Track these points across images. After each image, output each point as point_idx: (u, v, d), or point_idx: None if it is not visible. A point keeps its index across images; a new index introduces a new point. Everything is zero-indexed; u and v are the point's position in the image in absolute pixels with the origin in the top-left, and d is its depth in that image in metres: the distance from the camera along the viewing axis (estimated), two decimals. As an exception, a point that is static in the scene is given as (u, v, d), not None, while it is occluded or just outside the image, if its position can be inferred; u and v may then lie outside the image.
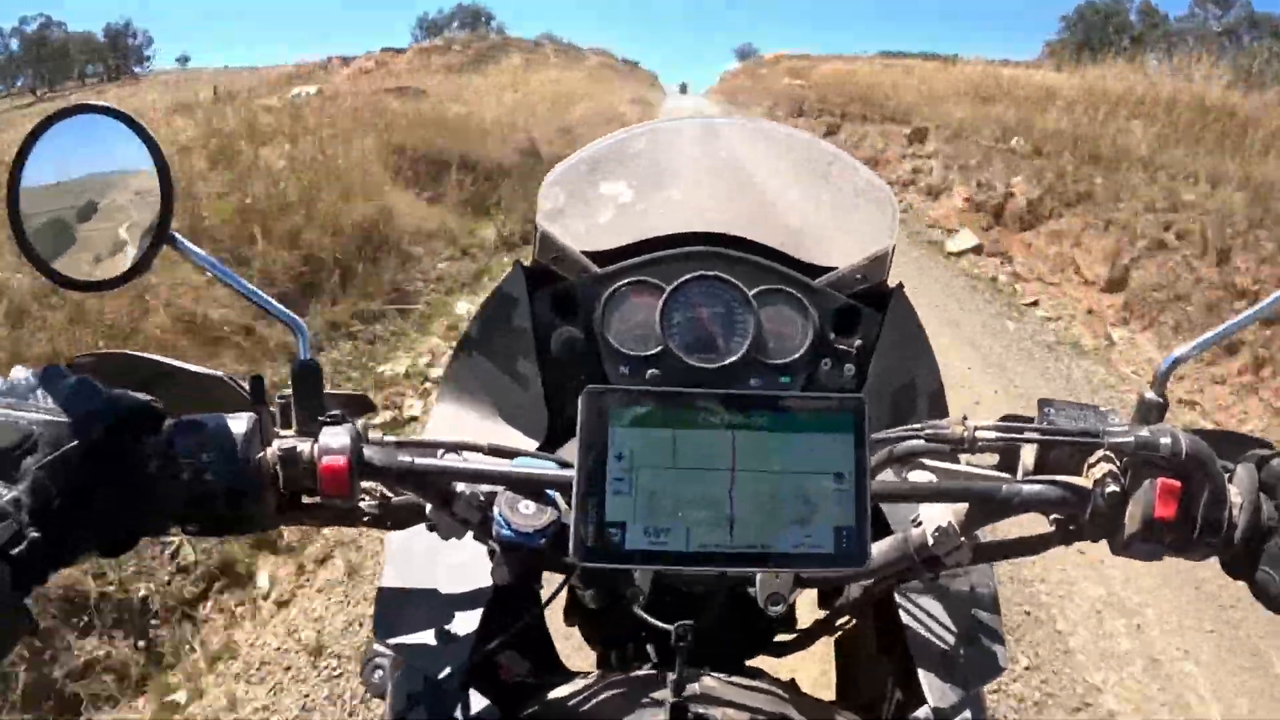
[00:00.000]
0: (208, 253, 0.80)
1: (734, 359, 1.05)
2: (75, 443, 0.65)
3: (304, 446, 0.72)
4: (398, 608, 0.91)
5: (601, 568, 0.71)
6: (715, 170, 1.21)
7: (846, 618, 1.01)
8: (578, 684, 0.87)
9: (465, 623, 0.88)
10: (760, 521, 0.67)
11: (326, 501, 0.73)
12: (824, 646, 1.14)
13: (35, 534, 0.61)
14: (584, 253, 1.11)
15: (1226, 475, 0.72)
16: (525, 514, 0.73)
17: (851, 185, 1.20)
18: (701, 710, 0.74)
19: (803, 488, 0.67)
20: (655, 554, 0.66)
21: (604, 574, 0.79)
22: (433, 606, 0.90)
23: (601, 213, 1.15)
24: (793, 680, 1.01)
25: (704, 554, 0.66)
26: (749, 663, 1.02)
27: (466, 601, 0.90)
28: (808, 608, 1.06)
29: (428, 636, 0.88)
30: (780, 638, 1.06)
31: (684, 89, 61.47)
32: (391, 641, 0.88)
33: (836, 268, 1.12)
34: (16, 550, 0.60)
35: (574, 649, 1.20)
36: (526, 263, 1.13)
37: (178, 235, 0.77)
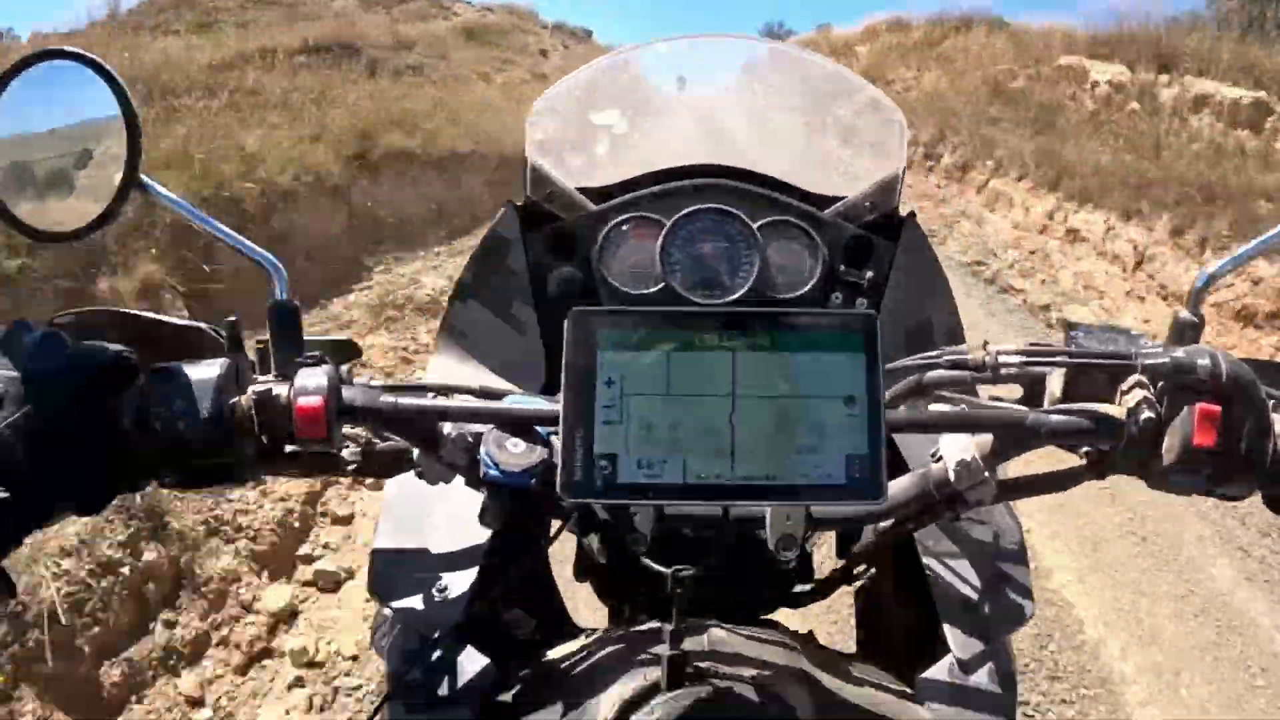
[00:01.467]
0: (179, 195, 0.77)
1: (739, 295, 1.02)
2: (45, 399, 0.63)
3: (280, 389, 0.68)
4: (393, 565, 0.87)
5: (593, 503, 0.67)
6: (713, 96, 1.17)
7: (865, 566, 0.97)
8: (579, 641, 0.83)
9: (461, 578, 0.85)
10: (764, 450, 0.62)
11: (306, 448, 0.70)
12: (845, 599, 1.10)
13: (4, 495, 0.59)
14: (578, 189, 1.07)
15: (1270, 403, 0.67)
16: (513, 452, 0.69)
17: (856, 105, 1.15)
18: (705, 665, 0.70)
19: (810, 412, 0.62)
20: (650, 488, 0.62)
21: (600, 517, 0.75)
22: (428, 562, 0.86)
23: (595, 144, 1.11)
24: (810, 633, 0.97)
25: (703, 486, 0.62)
26: (766, 616, 0.99)
27: (463, 556, 0.86)
28: (825, 558, 1.03)
29: (423, 593, 0.84)
30: (798, 588, 1.02)
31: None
32: (387, 600, 0.85)
33: (844, 196, 1.08)
34: None
35: (591, 608, 1.17)
36: (518, 202, 1.09)
37: (146, 179, 0.75)
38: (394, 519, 0.90)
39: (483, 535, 0.84)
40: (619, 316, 0.65)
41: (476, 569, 0.85)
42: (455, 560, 0.86)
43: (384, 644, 0.88)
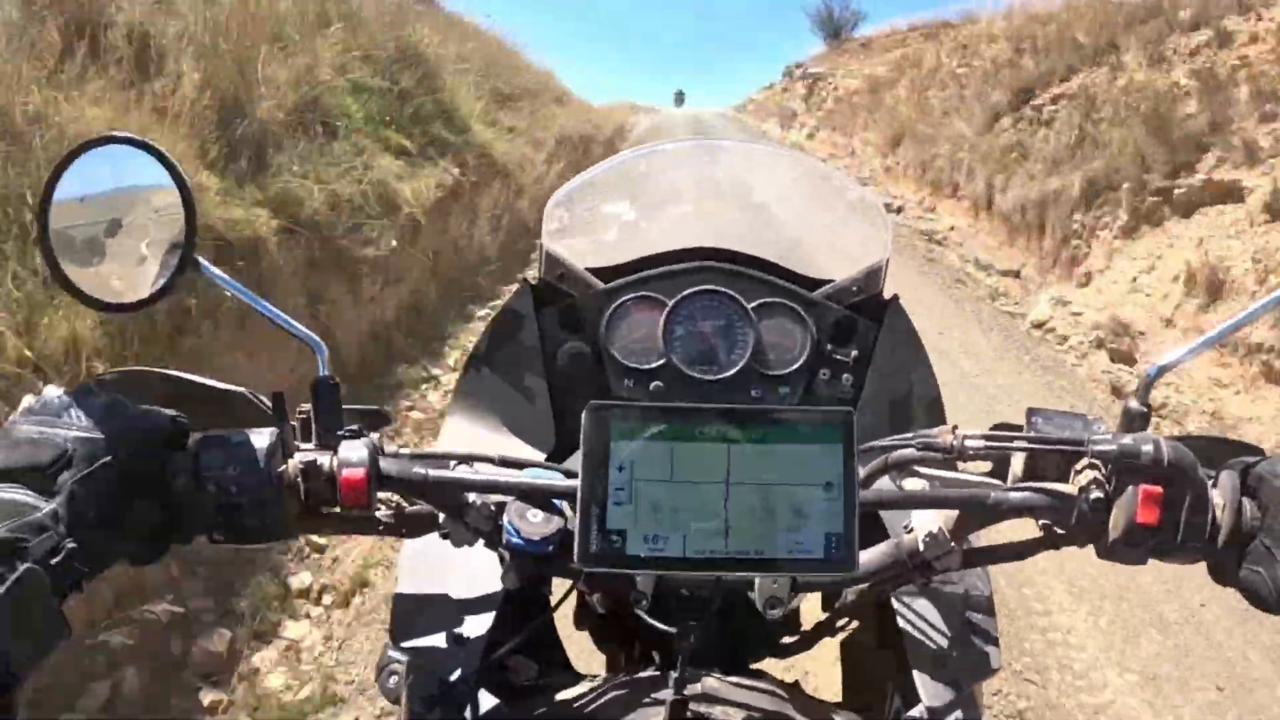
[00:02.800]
0: (231, 277, 0.84)
1: (734, 371, 1.09)
2: (108, 458, 0.69)
3: (324, 459, 0.76)
4: (412, 613, 0.94)
5: (604, 572, 0.74)
6: (713, 188, 1.25)
7: (846, 620, 1.04)
8: (584, 686, 0.90)
9: (477, 627, 0.92)
10: (754, 529, 0.70)
11: (345, 512, 0.77)
12: (832, 652, 1.17)
13: (72, 544, 0.64)
14: (588, 269, 1.15)
15: (1210, 480, 0.75)
16: (533, 522, 0.76)
17: (844, 201, 1.24)
18: (702, 709, 0.77)
19: (794, 497, 0.71)
20: (654, 559, 0.70)
21: (608, 579, 0.82)
22: (446, 612, 0.93)
23: (605, 231, 1.19)
24: (796, 683, 1.04)
25: (701, 559, 0.70)
26: (756, 665, 1.05)
27: (478, 606, 0.93)
28: (812, 611, 1.09)
29: (441, 640, 0.91)
30: (785, 640, 1.09)
31: (680, 99, 48.62)
32: (406, 645, 0.91)
33: (833, 279, 1.16)
34: (55, 560, 0.63)
35: (587, 654, 1.23)
36: (533, 280, 1.16)
37: (202, 260, 0.81)
38: (414, 570, 0.97)
39: (497, 587, 0.91)
40: (629, 410, 0.73)
41: (491, 619, 0.92)
42: (472, 611, 0.93)
43: (393, 685, 0.94)
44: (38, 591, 0.61)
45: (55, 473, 0.67)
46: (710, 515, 0.70)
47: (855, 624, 1.11)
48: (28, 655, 0.61)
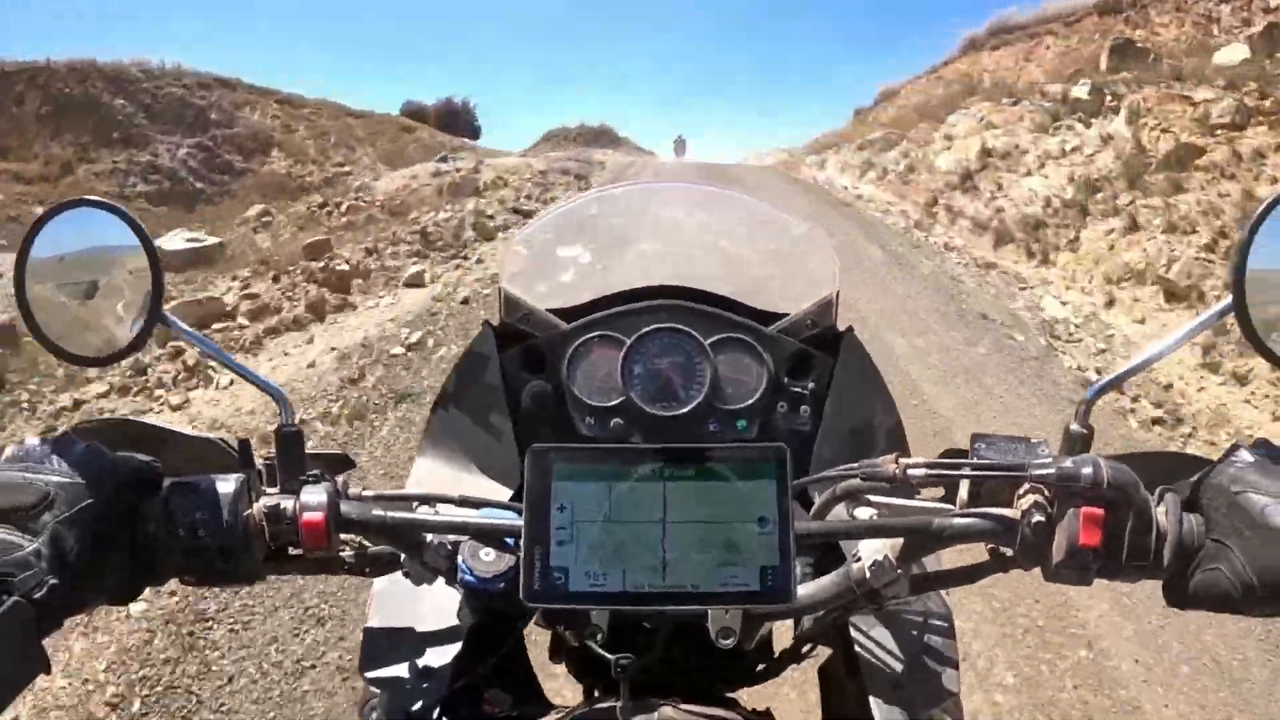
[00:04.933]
0: (194, 332, 0.89)
1: (693, 406, 1.12)
2: (88, 501, 0.72)
3: (287, 504, 0.79)
4: (381, 647, 0.97)
5: (547, 608, 0.76)
6: (665, 229, 1.28)
7: (812, 646, 1.06)
8: (551, 717, 0.92)
9: (443, 659, 0.94)
10: (691, 564, 0.73)
11: (309, 553, 0.80)
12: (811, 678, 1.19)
13: (54, 581, 0.67)
14: (549, 310, 1.18)
15: (1155, 497, 0.75)
16: (486, 561, 0.79)
17: (794, 238, 1.26)
18: None
19: (730, 533, 0.73)
20: (596, 595, 0.73)
21: (560, 613, 0.84)
22: (412, 645, 0.96)
23: (562, 273, 1.22)
24: (768, 710, 1.05)
25: (640, 594, 0.73)
26: (732, 694, 1.07)
27: (444, 639, 0.96)
28: (783, 638, 1.11)
29: (407, 673, 0.94)
30: (758, 667, 1.10)
31: (680, 147, 39.39)
32: (373, 678, 0.94)
33: (787, 314, 1.18)
34: (38, 595, 0.66)
35: (568, 686, 1.25)
36: (495, 323, 1.19)
37: (170, 315, 0.85)
38: (383, 605, 1.00)
39: (463, 622, 0.94)
40: (570, 453, 0.76)
41: (457, 652, 0.94)
42: (438, 644, 0.96)
43: (374, 717, 0.96)
44: (22, 624, 0.64)
45: (38, 514, 0.70)
46: (648, 552, 0.73)
47: (828, 651, 1.12)
48: (8, 686, 0.63)
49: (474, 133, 50.41)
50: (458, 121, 48.60)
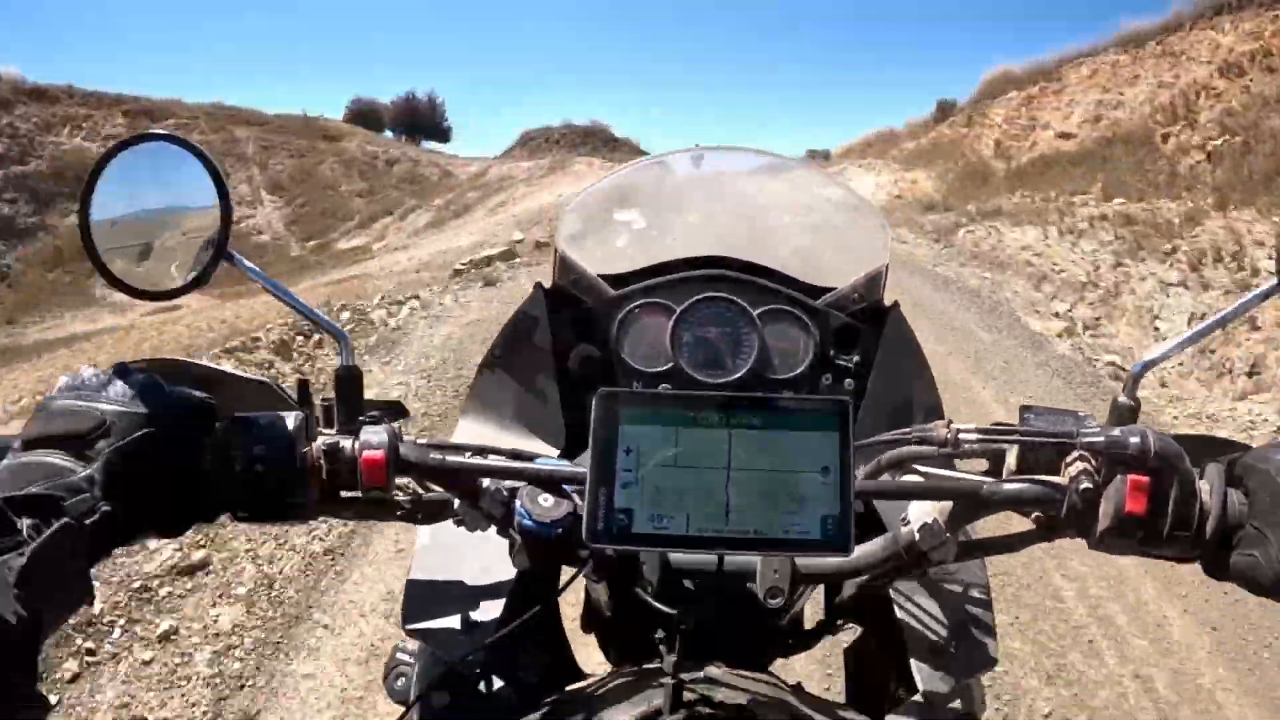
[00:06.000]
0: (259, 269, 0.89)
1: (740, 375, 1.13)
2: (143, 431, 0.72)
3: (346, 443, 0.79)
4: (424, 598, 0.98)
5: (610, 549, 0.77)
6: (720, 196, 1.30)
7: (847, 620, 1.06)
8: (593, 677, 0.93)
9: (486, 613, 0.95)
10: (754, 511, 0.73)
11: (365, 494, 0.81)
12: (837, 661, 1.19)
13: (106, 508, 0.68)
14: (600, 275, 1.19)
15: (1198, 472, 0.76)
16: (544, 506, 0.80)
17: (845, 208, 1.28)
18: (703, 690, 0.80)
19: (791, 482, 0.74)
20: (659, 537, 0.73)
21: (614, 562, 0.85)
22: (456, 598, 0.97)
23: (617, 238, 1.24)
24: (799, 684, 1.06)
25: (702, 538, 0.73)
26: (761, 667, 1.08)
27: (488, 594, 0.97)
28: (814, 614, 1.12)
29: (451, 625, 0.95)
30: (790, 639, 1.11)
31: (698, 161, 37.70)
32: (417, 629, 0.95)
33: (835, 288, 1.20)
34: (89, 521, 0.66)
35: (594, 662, 1.26)
36: (546, 285, 1.21)
37: (234, 253, 0.86)
38: (427, 556, 1.01)
39: (506, 576, 0.94)
40: (637, 397, 0.77)
41: (500, 607, 0.95)
42: (481, 599, 0.97)
43: (400, 686, 0.98)
44: (72, 548, 0.64)
45: (92, 441, 0.70)
46: (712, 498, 0.73)
47: (858, 629, 1.13)
48: (55, 611, 0.63)
49: (442, 135, 44.47)
50: (421, 121, 42.93)
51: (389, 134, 40.70)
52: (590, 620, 1.18)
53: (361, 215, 27.71)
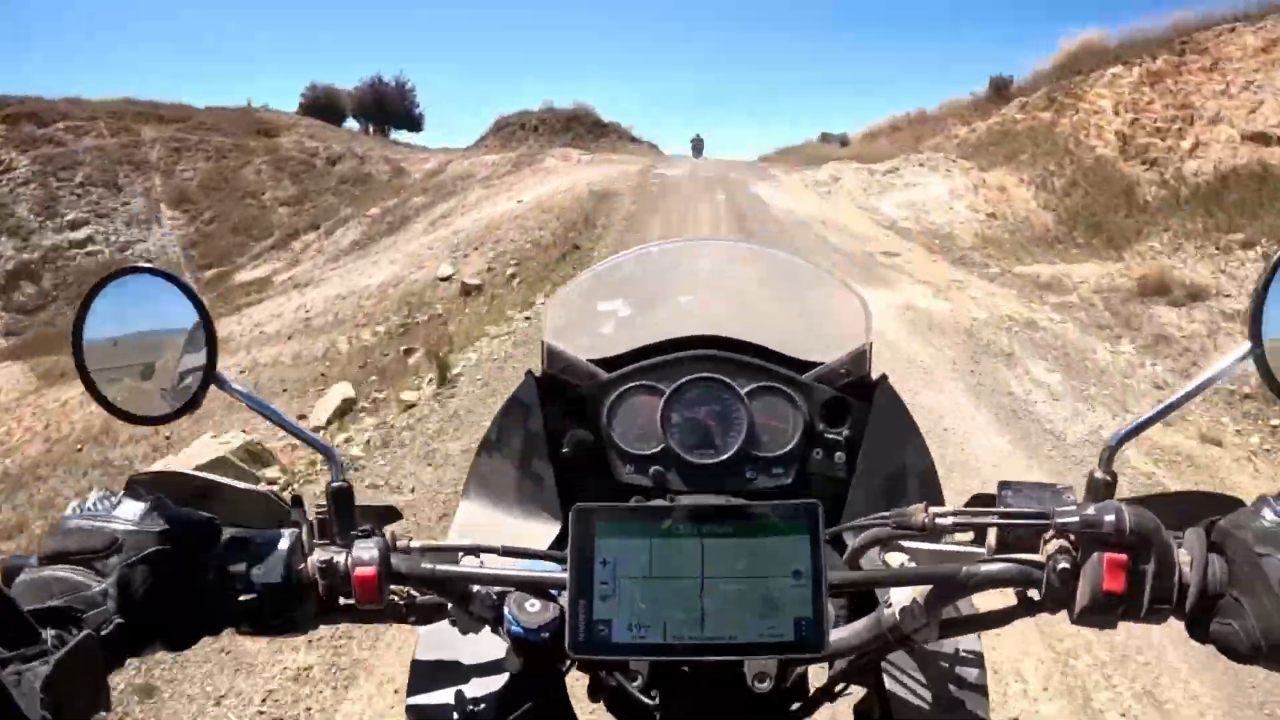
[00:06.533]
0: (249, 391, 0.92)
1: (730, 454, 1.15)
2: (154, 548, 0.77)
3: (339, 558, 0.83)
4: (428, 681, 1.00)
5: (590, 659, 0.80)
6: (702, 282, 1.33)
7: (844, 686, 1.08)
8: None
9: (489, 696, 0.98)
10: (728, 617, 0.76)
11: (360, 605, 0.84)
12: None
13: (120, 620, 0.73)
14: (590, 360, 1.21)
15: (1177, 541, 0.77)
16: (531, 612, 0.82)
17: (826, 292, 1.30)
18: None
19: (766, 587, 0.76)
20: (638, 646, 0.76)
21: (602, 660, 0.88)
22: (460, 680, 1.00)
23: (602, 326, 1.27)
24: None
25: (680, 645, 0.76)
26: None
27: (490, 680, 0.99)
28: (818, 679, 1.13)
29: (453, 708, 0.98)
30: (792, 707, 1.12)
31: (698, 148, 33.69)
32: (419, 708, 0.98)
33: (822, 362, 1.21)
34: (105, 632, 0.71)
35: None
36: (537, 373, 1.23)
37: (223, 375, 0.89)
38: (431, 640, 1.03)
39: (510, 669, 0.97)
40: (612, 511, 0.80)
41: (502, 690, 0.98)
42: (484, 682, 0.99)
43: None
44: (91, 658, 0.68)
45: (106, 557, 0.75)
46: (687, 605, 0.76)
47: (850, 689, 1.14)
48: (76, 717, 0.66)
49: (413, 123, 39.84)
50: (390, 109, 38.38)
51: (354, 125, 37.12)
52: (597, 689, 1.20)
53: (281, 231, 23.87)
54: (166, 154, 25.40)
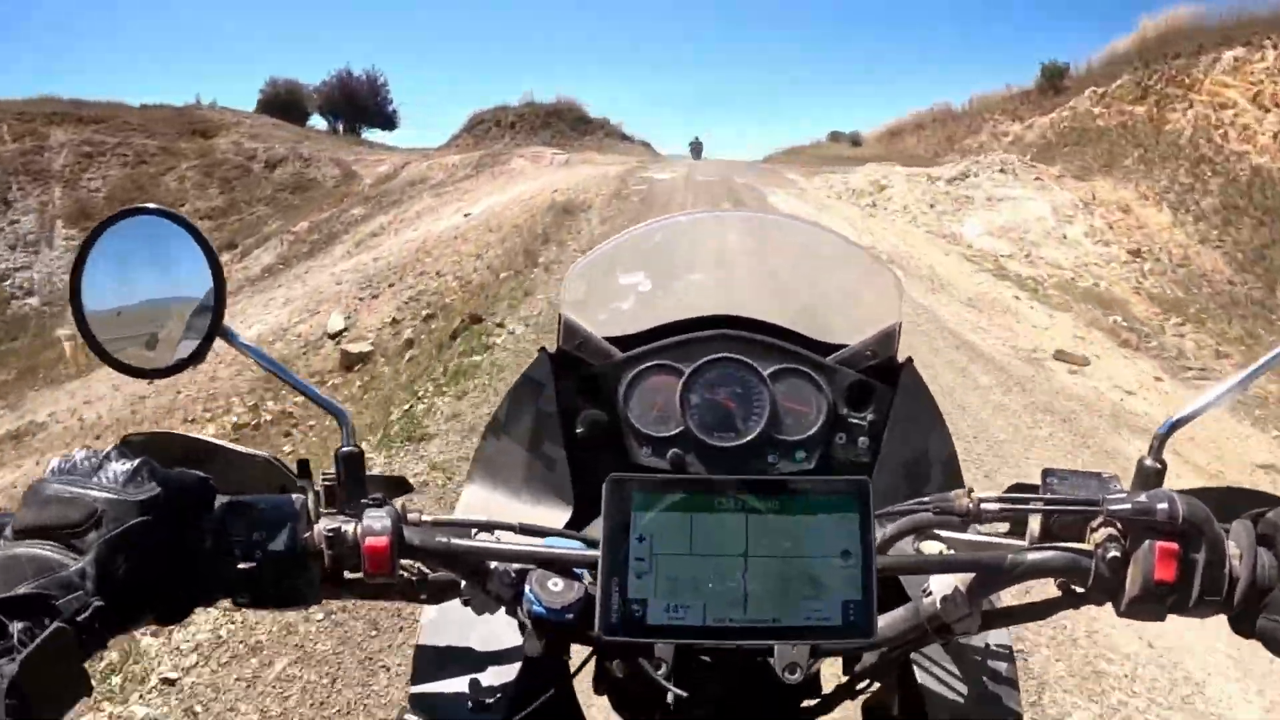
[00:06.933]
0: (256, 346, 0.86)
1: (751, 437, 1.11)
2: (137, 519, 0.70)
3: (348, 527, 0.77)
4: (432, 671, 0.96)
5: (625, 641, 0.75)
6: (726, 258, 1.29)
7: (868, 682, 1.04)
8: None
9: (496, 691, 0.93)
10: (772, 598, 0.72)
11: (369, 578, 0.78)
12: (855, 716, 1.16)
13: (99, 603, 0.66)
14: (606, 338, 1.17)
15: (1226, 533, 0.75)
16: (554, 590, 0.77)
17: (856, 267, 1.27)
18: None
19: (812, 566, 0.72)
20: (675, 628, 0.71)
21: (628, 646, 0.83)
22: (465, 672, 0.95)
23: (622, 301, 1.23)
24: None
25: (720, 628, 0.71)
26: None
27: (499, 670, 0.95)
28: (833, 673, 1.09)
29: (459, 699, 0.93)
30: (806, 703, 1.09)
31: (697, 150, 33.72)
32: (421, 697, 0.93)
33: (847, 344, 1.18)
34: (81, 618, 0.64)
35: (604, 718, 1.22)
36: (552, 349, 1.19)
37: (230, 328, 0.84)
38: (435, 627, 0.99)
39: (517, 651, 0.92)
40: (649, 482, 0.75)
41: (511, 682, 0.93)
42: (492, 674, 0.94)
43: None
44: (65, 650, 0.62)
45: (84, 531, 0.68)
46: (729, 585, 0.72)
47: (877, 686, 1.10)
48: (51, 712, 0.61)
49: (386, 121, 36.25)
50: (360, 105, 34.79)
51: (322, 124, 33.82)
52: (602, 681, 1.15)
53: (195, 251, 20.50)
54: (74, 161, 21.51)
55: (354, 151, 27.08)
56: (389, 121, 36.77)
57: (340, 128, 33.94)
